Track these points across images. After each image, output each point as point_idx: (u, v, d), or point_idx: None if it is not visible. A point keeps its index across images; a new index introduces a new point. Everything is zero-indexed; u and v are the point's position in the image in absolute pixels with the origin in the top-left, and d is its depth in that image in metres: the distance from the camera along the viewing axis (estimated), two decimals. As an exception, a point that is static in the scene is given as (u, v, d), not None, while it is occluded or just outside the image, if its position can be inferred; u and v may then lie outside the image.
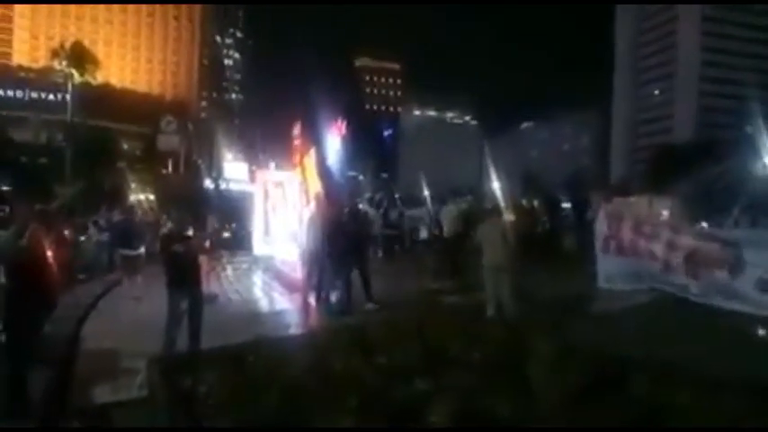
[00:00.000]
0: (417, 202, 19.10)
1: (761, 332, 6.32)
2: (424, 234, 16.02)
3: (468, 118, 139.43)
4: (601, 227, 9.05)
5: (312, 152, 11.34)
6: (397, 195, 22.71)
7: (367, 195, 19.48)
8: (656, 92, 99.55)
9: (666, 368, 3.68)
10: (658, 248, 8.09)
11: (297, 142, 11.84)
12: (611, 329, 5.82)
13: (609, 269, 8.57)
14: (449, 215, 12.60)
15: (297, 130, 12.00)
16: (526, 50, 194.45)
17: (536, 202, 18.52)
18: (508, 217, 9.43)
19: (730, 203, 13.51)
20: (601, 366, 3.78)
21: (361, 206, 13.25)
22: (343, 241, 8.96)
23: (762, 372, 4.19)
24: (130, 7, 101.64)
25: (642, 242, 8.36)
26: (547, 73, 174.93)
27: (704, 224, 9.01)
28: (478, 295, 8.01)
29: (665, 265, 7.92)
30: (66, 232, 10.41)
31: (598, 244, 8.93)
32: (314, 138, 12.51)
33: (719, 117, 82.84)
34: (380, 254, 14.55)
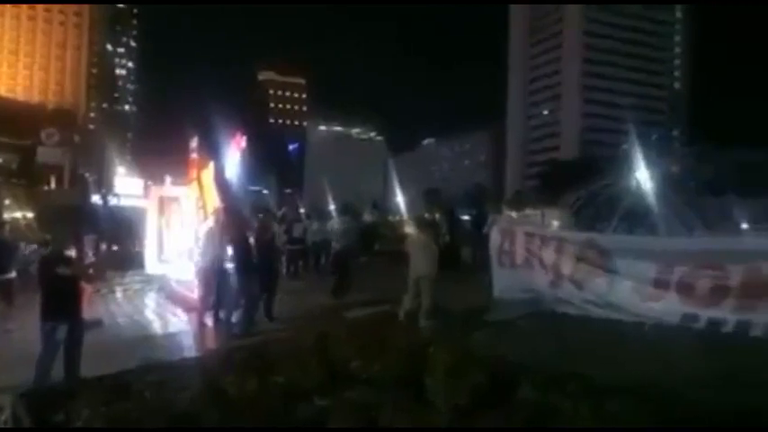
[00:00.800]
0: (325, 216, 18.97)
1: (636, 337, 6.82)
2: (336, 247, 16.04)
3: (373, 134, 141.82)
4: (495, 240, 9.47)
5: (210, 166, 10.92)
6: (302, 210, 22.43)
7: (270, 210, 19.09)
8: (545, 112, 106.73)
9: (553, 373, 3.87)
10: (548, 259, 8.59)
11: (194, 156, 11.37)
12: (505, 338, 6.04)
13: (503, 280, 8.97)
14: (339, 229, 12.67)
15: (194, 143, 11.53)
16: (430, 71, 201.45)
17: (437, 216, 19.01)
18: (411, 230, 9.61)
19: (610, 214, 14.69)
20: (495, 373, 3.91)
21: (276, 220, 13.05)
22: (251, 257, 8.72)
23: (638, 373, 4.51)
24: (7, 8, 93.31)
25: (533, 253, 8.84)
26: (448, 92, 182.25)
27: (589, 234, 9.66)
28: (381, 308, 8.06)
29: (554, 275, 8.42)
30: None
31: (493, 256, 9.33)
32: (213, 152, 12.05)
33: (602, 136, 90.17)
34: (284, 270, 14.26)
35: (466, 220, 20.82)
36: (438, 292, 7.87)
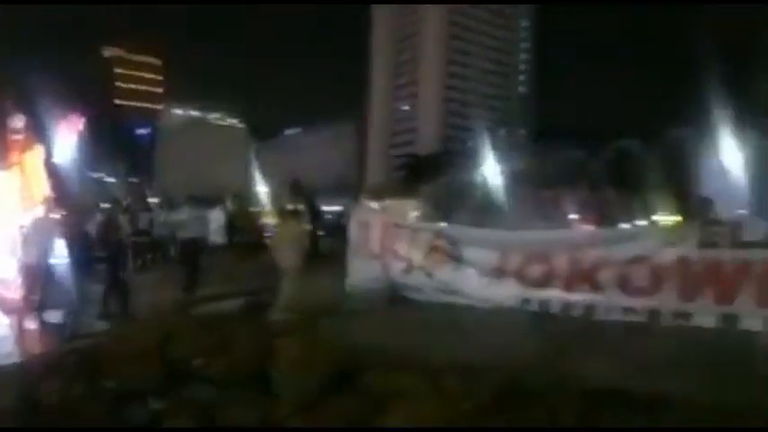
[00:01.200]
0: (176, 206, 17.88)
1: (479, 320, 7.35)
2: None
3: (234, 120, 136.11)
4: (353, 230, 9.61)
5: (38, 149, 9.70)
6: (154, 199, 20.96)
7: (118, 199, 17.54)
8: (407, 107, 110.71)
9: (397, 359, 4.01)
10: (402, 248, 8.93)
11: (17, 137, 10.01)
12: (357, 327, 6.13)
13: (359, 270, 9.13)
14: (185, 220, 11.97)
15: (18, 123, 10.15)
16: (296, 57, 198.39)
17: (300, 207, 18.83)
18: (277, 221, 9.42)
19: (461, 205, 15.68)
20: (341, 362, 3.95)
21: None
22: (87, 251, 7.91)
23: (477, 353, 4.82)
24: None
25: (388, 244, 9.14)
26: (314, 82, 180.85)
27: (440, 225, 10.16)
28: (233, 302, 7.79)
29: (407, 263, 8.79)
30: None
31: (350, 246, 9.46)
32: (41, 133, 10.72)
33: (458, 132, 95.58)
34: (130, 264, 13.21)
35: (328, 211, 20.89)
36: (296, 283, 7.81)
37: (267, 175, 53.50)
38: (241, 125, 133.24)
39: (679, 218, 11.12)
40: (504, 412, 3.16)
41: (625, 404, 3.22)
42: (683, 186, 15.67)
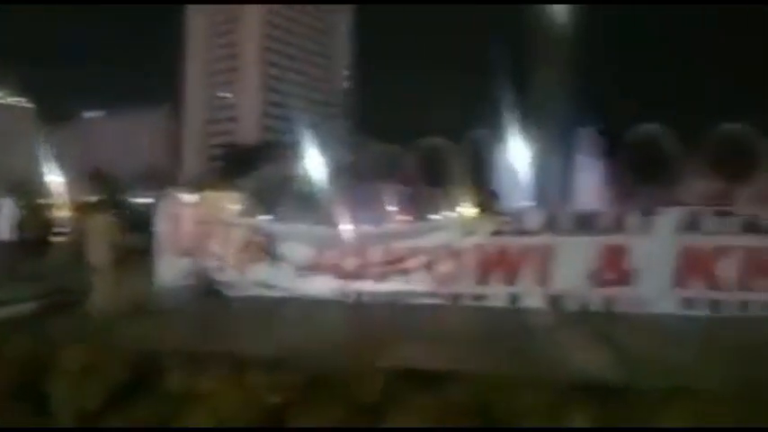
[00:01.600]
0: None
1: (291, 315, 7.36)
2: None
3: (21, 99, 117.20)
4: (161, 225, 8.96)
5: None
6: None
7: None
8: (228, 95, 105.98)
9: (202, 358, 3.84)
10: (215, 245, 8.57)
11: None
12: (164, 326, 5.76)
13: (167, 267, 8.56)
14: None
15: None
16: (98, 30, 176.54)
17: (103, 198, 17.08)
18: (75, 214, 8.45)
19: (281, 199, 15.57)
20: (137, 366, 3.68)
21: None
22: None
23: (287, 350, 4.80)
24: None
25: (200, 240, 8.70)
26: (122, 58, 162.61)
27: (256, 220, 9.97)
28: (11, 309, 6.78)
29: (220, 259, 8.46)
30: None
31: (158, 242, 8.81)
32: None
33: (280, 123, 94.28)
34: None
35: (138, 204, 19.27)
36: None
37: (62, 164, 47.40)
38: (28, 105, 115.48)
39: (477, 210, 12.38)
40: (310, 402, 3.22)
41: (419, 380, 3.50)
42: (480, 182, 17.44)
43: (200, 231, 8.62)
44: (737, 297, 6.32)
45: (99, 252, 7.35)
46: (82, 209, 8.34)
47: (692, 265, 6.51)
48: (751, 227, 6.52)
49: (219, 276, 8.28)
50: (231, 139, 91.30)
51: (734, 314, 6.20)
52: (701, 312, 6.30)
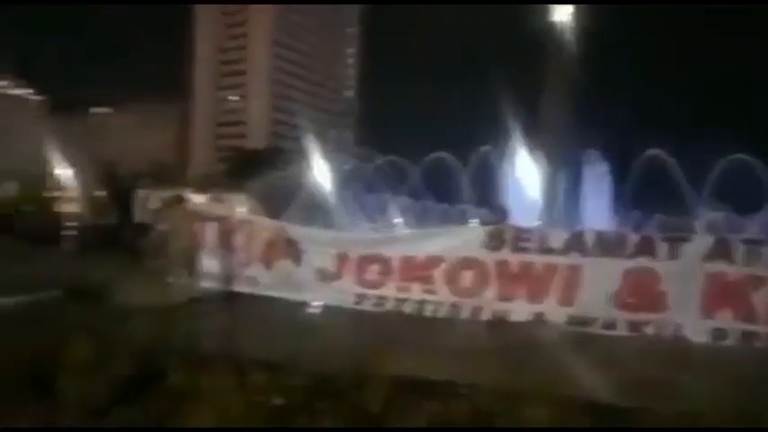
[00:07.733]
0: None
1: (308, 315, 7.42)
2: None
3: (29, 91, 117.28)
4: (170, 223, 9.05)
5: None
6: None
7: None
8: (237, 98, 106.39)
9: (210, 357, 3.92)
10: (240, 241, 8.71)
11: None
12: (170, 324, 5.75)
13: (183, 265, 8.62)
14: None
15: None
16: (109, 31, 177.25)
17: (110, 193, 17.19)
18: (77, 206, 8.57)
19: (288, 203, 15.64)
20: (146, 361, 3.75)
21: None
22: None
23: (296, 354, 4.83)
24: None
25: (218, 239, 8.82)
26: (130, 60, 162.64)
27: (281, 223, 10.08)
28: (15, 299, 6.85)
29: (245, 257, 8.61)
30: None
31: (172, 240, 8.88)
32: None
33: (287, 130, 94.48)
34: None
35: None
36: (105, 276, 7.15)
37: (72, 156, 47.52)
38: (38, 97, 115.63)
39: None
40: (314, 407, 3.25)
41: (423, 391, 3.56)
42: (487, 198, 17.48)
43: (221, 229, 8.79)
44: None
45: (182, 238, 8.09)
46: (169, 202, 9.01)
47: (721, 295, 6.38)
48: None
49: (243, 272, 8.42)
50: (241, 142, 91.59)
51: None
52: (730, 342, 6.19)
